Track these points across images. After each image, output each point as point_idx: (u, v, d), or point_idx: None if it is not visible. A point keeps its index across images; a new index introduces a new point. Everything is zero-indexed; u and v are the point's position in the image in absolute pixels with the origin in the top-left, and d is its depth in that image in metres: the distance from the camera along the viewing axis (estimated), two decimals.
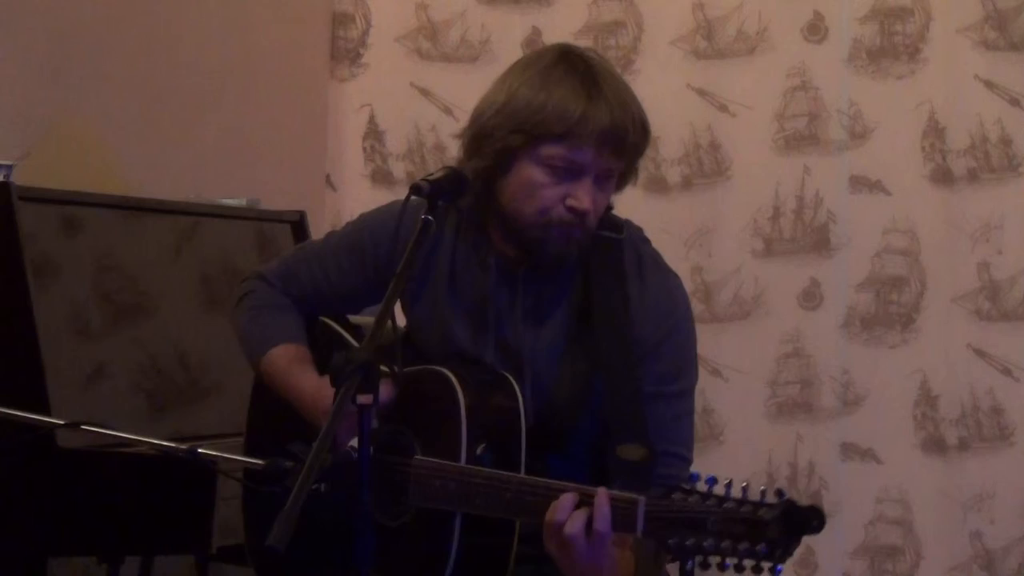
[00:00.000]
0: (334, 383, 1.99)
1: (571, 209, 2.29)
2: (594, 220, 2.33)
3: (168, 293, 3.51)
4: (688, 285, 4.21)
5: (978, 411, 4.11)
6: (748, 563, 1.93)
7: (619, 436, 2.25)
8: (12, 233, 3.15)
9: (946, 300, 4.13)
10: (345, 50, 4.55)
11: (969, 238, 4.12)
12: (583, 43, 4.34)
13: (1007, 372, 4.10)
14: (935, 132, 4.14)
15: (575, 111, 2.25)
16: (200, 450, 2.38)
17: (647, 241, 2.46)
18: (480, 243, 2.40)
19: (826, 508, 4.16)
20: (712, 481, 1.98)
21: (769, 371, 4.23)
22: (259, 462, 2.31)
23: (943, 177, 4.14)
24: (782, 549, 1.92)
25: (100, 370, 3.29)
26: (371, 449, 2.00)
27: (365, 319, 2.61)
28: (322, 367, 2.46)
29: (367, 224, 2.53)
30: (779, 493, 1.95)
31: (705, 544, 1.94)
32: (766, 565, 1.92)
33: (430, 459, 2.27)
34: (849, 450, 4.19)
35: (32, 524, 3.13)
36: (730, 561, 1.94)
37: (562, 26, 4.37)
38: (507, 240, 2.37)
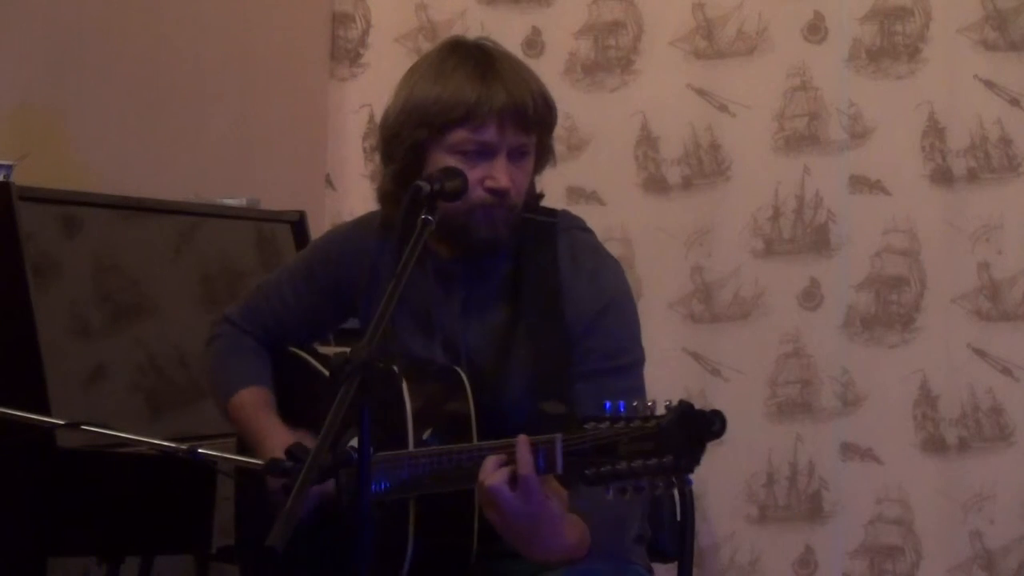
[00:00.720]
0: (333, 382, 1.99)
1: (490, 190, 2.32)
2: (516, 198, 2.36)
3: (168, 293, 3.51)
4: (688, 285, 4.27)
5: (978, 411, 4.11)
6: (660, 481, 1.92)
7: (542, 396, 2.29)
8: (12, 233, 3.15)
9: (946, 300, 4.13)
10: (345, 50, 4.55)
11: (969, 238, 4.12)
12: (583, 43, 4.36)
13: (1007, 372, 4.09)
14: (935, 132, 4.14)
15: (472, 93, 2.31)
16: (200, 450, 2.39)
17: (587, 230, 2.49)
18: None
19: (826, 508, 4.18)
20: (623, 407, 1.97)
21: (769, 371, 4.23)
22: (258, 462, 2.31)
23: (943, 177, 4.14)
24: (687, 457, 1.91)
25: (100, 370, 3.28)
26: (372, 450, 2.00)
27: (334, 349, 2.63)
28: (289, 396, 2.53)
29: (317, 247, 2.63)
30: (680, 402, 1.94)
31: (618, 467, 1.94)
32: (677, 477, 1.92)
33: (380, 453, 2.28)
34: (849, 450, 4.18)
35: (32, 524, 3.13)
36: (643, 482, 1.93)
37: (562, 26, 4.37)
38: (438, 239, 2.39)
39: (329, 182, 4.57)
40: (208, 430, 3.12)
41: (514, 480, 2.09)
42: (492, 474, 2.11)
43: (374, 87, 4.49)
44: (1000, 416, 4.10)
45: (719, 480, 4.17)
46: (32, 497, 3.12)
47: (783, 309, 4.22)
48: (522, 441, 2.10)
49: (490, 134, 2.32)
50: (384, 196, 2.43)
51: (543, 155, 2.43)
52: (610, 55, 4.34)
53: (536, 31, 4.36)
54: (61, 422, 2.66)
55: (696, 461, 1.92)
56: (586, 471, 1.98)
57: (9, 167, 3.26)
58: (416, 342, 2.44)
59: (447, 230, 2.36)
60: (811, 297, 4.22)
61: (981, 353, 4.10)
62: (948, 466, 4.12)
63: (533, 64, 2.40)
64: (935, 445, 4.13)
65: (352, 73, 4.54)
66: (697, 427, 1.92)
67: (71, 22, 3.72)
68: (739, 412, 4.24)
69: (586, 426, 1.99)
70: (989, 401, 4.10)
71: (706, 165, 4.29)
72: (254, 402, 2.53)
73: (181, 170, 3.97)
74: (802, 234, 4.23)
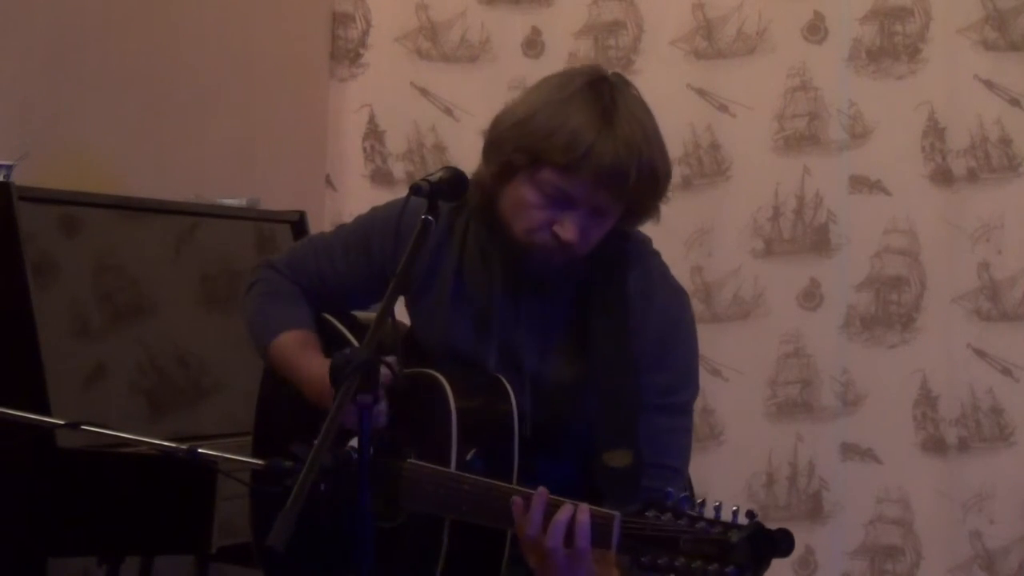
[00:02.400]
0: (334, 382, 1.99)
1: (555, 236, 2.27)
2: (581, 251, 2.30)
3: (168, 293, 3.51)
4: (688, 285, 4.20)
5: (978, 411, 4.11)
6: None
7: (606, 442, 2.25)
8: (12, 233, 3.15)
9: (946, 300, 4.13)
10: (345, 50, 4.55)
11: (969, 238, 4.12)
12: (583, 43, 4.36)
13: (1007, 372, 4.10)
14: (935, 132, 4.14)
15: (581, 145, 2.22)
16: (200, 450, 2.38)
17: (656, 254, 2.44)
18: (487, 246, 2.40)
19: (826, 508, 4.18)
20: (686, 500, 1.97)
21: (769, 371, 4.23)
22: (259, 462, 2.31)
23: (943, 177, 4.14)
24: (751, 573, 1.91)
25: (100, 370, 3.28)
26: (371, 450, 2.00)
27: (370, 315, 2.60)
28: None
29: (374, 219, 2.53)
30: (750, 515, 1.94)
31: (677, 564, 1.94)
32: None
33: (421, 463, 2.27)
34: (849, 450, 4.19)
35: (32, 524, 3.13)
36: None
37: (562, 26, 4.37)
38: (509, 246, 2.37)
39: (329, 182, 4.57)
40: (208, 430, 3.13)
41: (570, 540, 2.09)
42: (551, 533, 2.09)
43: (374, 87, 4.50)
44: (1000, 416, 4.10)
45: (719, 480, 4.16)
46: (32, 497, 3.12)
47: (783, 309, 4.23)
48: (583, 510, 2.08)
49: (580, 191, 2.24)
50: (475, 183, 2.36)
51: (644, 213, 2.34)
52: (610, 55, 4.34)
53: (536, 31, 4.36)
54: (61, 422, 2.65)
55: None
56: (642, 558, 1.97)
57: (9, 167, 3.26)
58: (468, 340, 2.40)
59: (509, 242, 2.32)
60: (811, 297, 4.22)
61: (981, 353, 4.10)
62: (948, 466, 4.13)
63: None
64: (935, 445, 4.13)
65: (352, 73, 4.54)
66: (766, 547, 1.92)
67: (72, 22, 3.72)
68: (739, 412, 4.25)
69: (647, 513, 1.99)
70: (989, 401, 4.10)
71: (706, 165, 4.29)
72: (296, 342, 2.48)
73: (181, 170, 3.97)
74: (802, 234, 4.23)
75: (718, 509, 1.96)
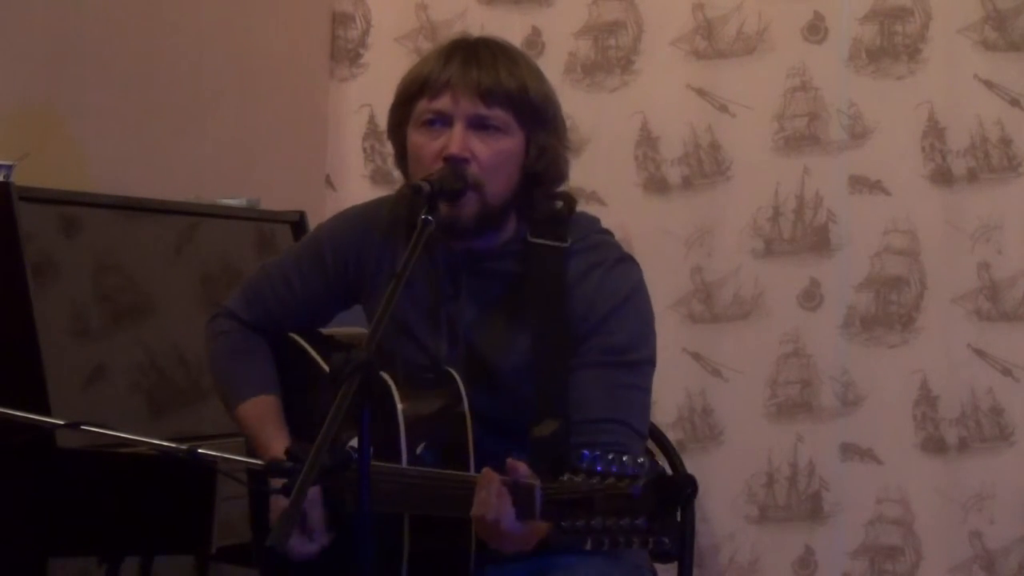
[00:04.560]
0: (333, 383, 1.99)
1: (447, 159, 2.31)
2: (481, 174, 2.33)
3: (168, 293, 3.51)
4: (688, 285, 4.27)
5: (978, 411, 4.11)
6: (636, 539, 1.91)
7: (536, 416, 2.27)
8: (12, 233, 3.15)
9: (946, 300, 4.13)
10: (345, 50, 4.55)
11: (969, 238, 4.12)
12: (583, 43, 4.36)
13: (1007, 372, 4.09)
14: (935, 132, 4.14)
15: (436, 67, 2.35)
16: (200, 450, 2.38)
17: (606, 232, 2.47)
18: (429, 238, 2.42)
19: (826, 508, 4.18)
20: (599, 459, 1.96)
21: (769, 371, 4.23)
22: (259, 462, 2.31)
23: (943, 177, 4.14)
24: (660, 522, 1.90)
25: (100, 370, 3.28)
26: (371, 451, 2.00)
27: (337, 330, 2.63)
28: (289, 386, 2.54)
29: (325, 231, 2.60)
30: (651, 466, 1.93)
31: (593, 523, 1.92)
32: (651, 539, 1.91)
33: (374, 463, 2.28)
34: (849, 450, 4.19)
35: (32, 524, 3.13)
36: (619, 539, 1.92)
37: (562, 26, 4.37)
38: (440, 232, 2.39)
39: (329, 182, 4.57)
40: (208, 430, 3.13)
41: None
42: (476, 506, 2.11)
43: (374, 87, 4.50)
44: (1000, 416, 4.10)
45: (719, 480, 4.17)
46: (32, 497, 3.12)
47: (783, 309, 4.22)
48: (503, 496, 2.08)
49: (444, 102, 2.34)
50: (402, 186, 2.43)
51: (538, 150, 2.38)
52: (610, 55, 4.34)
53: (536, 31, 4.36)
54: (61, 422, 2.65)
55: (669, 526, 1.91)
56: (563, 523, 1.96)
57: (9, 167, 3.26)
58: (423, 333, 2.44)
59: (445, 229, 2.34)
60: (811, 297, 4.22)
61: (981, 353, 4.10)
62: (948, 466, 4.12)
63: None
64: (935, 445, 4.13)
65: (352, 73, 4.55)
66: (669, 493, 1.91)
67: (71, 22, 3.72)
68: (739, 412, 4.24)
69: (562, 477, 1.97)
70: (989, 401, 4.10)
71: (706, 165, 4.29)
72: (261, 413, 2.52)
73: (181, 170, 3.98)
74: (802, 234, 4.23)
75: (624, 463, 1.94)
